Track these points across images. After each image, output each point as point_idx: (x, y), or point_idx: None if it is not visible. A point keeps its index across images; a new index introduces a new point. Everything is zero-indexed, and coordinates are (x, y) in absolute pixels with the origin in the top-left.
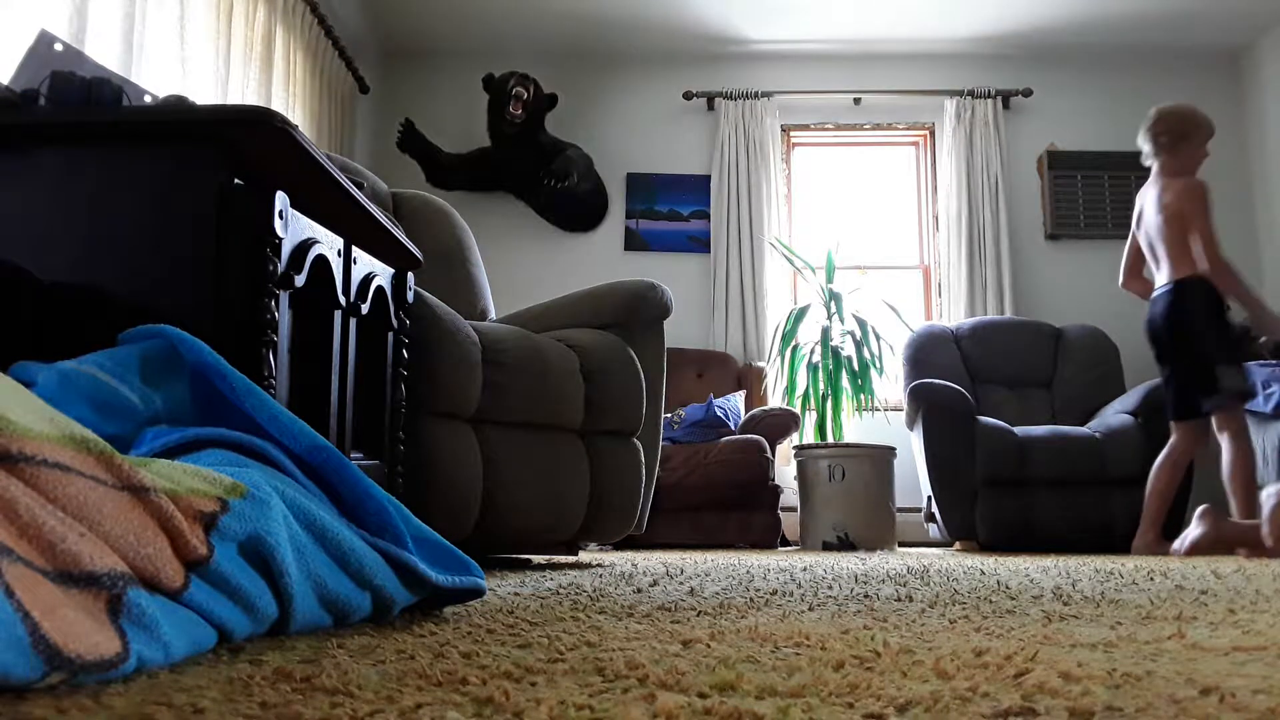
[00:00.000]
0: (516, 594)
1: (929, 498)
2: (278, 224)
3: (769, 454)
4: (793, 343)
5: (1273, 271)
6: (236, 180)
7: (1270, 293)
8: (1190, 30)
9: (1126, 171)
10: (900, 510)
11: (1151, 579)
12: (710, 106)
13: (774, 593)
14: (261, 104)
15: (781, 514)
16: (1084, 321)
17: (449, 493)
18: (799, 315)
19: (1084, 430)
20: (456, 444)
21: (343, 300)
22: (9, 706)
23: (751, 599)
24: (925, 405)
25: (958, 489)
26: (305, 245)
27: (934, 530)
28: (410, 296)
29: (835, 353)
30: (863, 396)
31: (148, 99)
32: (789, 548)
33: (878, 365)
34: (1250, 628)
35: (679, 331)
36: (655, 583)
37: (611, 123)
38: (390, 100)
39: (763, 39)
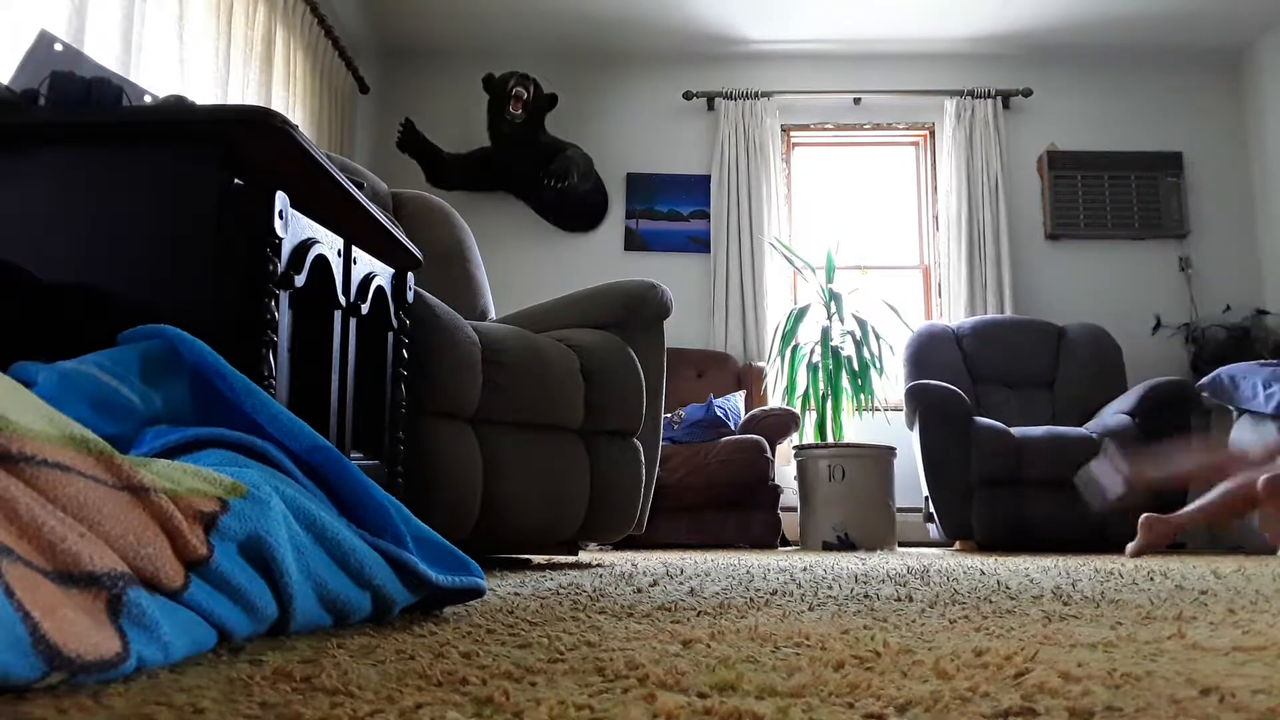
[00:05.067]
0: (516, 594)
1: (927, 498)
2: (278, 224)
3: (769, 454)
4: (793, 343)
5: (1273, 271)
6: (236, 180)
7: (1270, 293)
8: (1190, 30)
9: (1126, 171)
10: (900, 510)
11: (1151, 579)
12: (710, 106)
13: (774, 593)
14: (261, 104)
15: (781, 514)
16: (1083, 321)
17: (449, 493)
18: (799, 315)
19: (1081, 431)
20: (456, 444)
21: (343, 300)
22: (9, 706)
23: (751, 599)
24: (922, 406)
25: (954, 489)
26: (305, 245)
27: (934, 530)
28: (410, 296)
29: (835, 353)
30: (863, 396)
31: (148, 99)
32: (789, 548)
33: (878, 365)
34: (1250, 628)
35: (679, 331)
36: (655, 583)
37: (611, 123)
38: (390, 100)
39: (763, 39)
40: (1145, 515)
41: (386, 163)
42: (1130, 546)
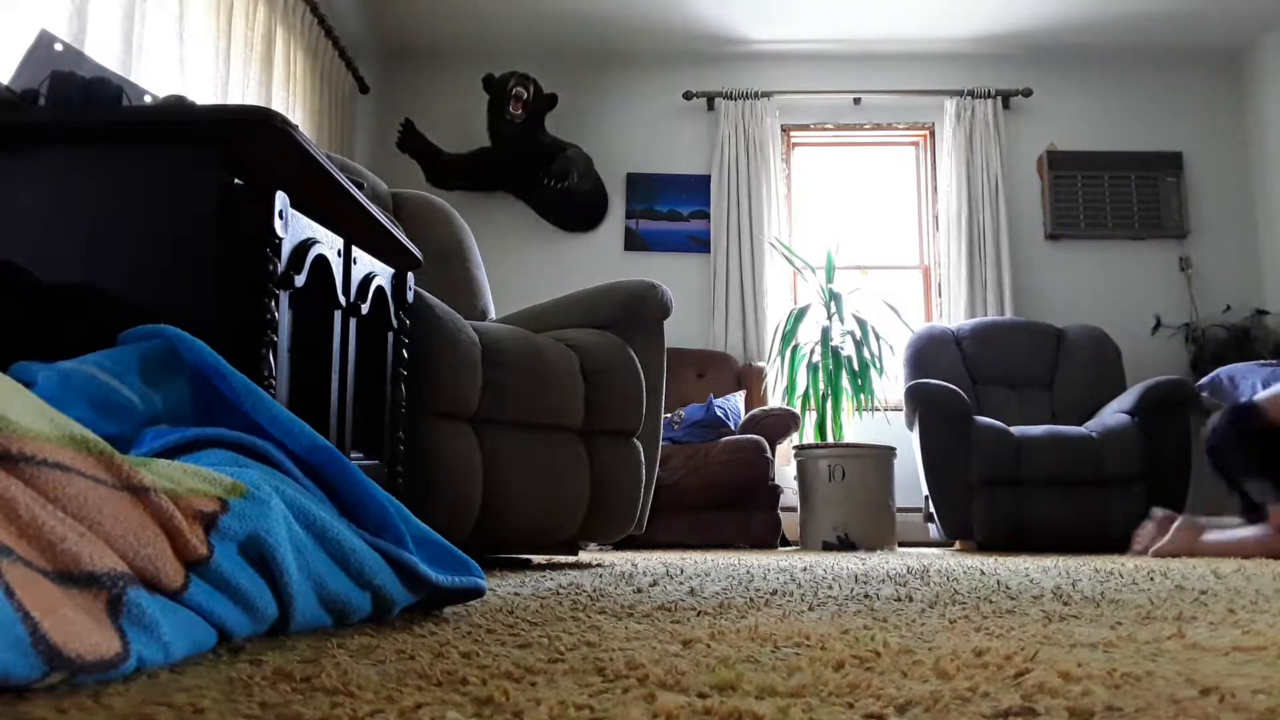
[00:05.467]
0: (516, 594)
1: (927, 497)
2: (278, 224)
3: (769, 454)
4: (793, 343)
5: (1273, 271)
6: (236, 180)
7: (1270, 293)
8: (1190, 30)
9: (1126, 171)
10: (900, 510)
11: (1151, 579)
12: (710, 106)
13: (774, 593)
14: (261, 104)
15: (781, 514)
16: (1083, 322)
17: (449, 493)
18: (799, 315)
19: (1081, 430)
20: (456, 444)
21: (343, 300)
22: (9, 706)
23: (751, 599)
24: (922, 406)
25: (954, 489)
26: (305, 245)
27: (934, 530)
28: (410, 296)
29: (835, 353)
30: (863, 396)
31: (148, 99)
32: (789, 548)
33: (878, 365)
34: (1250, 628)
35: (679, 331)
36: (655, 583)
37: (611, 123)
38: (390, 100)
39: (763, 39)
40: (1169, 515)
41: (386, 163)
42: (1156, 545)
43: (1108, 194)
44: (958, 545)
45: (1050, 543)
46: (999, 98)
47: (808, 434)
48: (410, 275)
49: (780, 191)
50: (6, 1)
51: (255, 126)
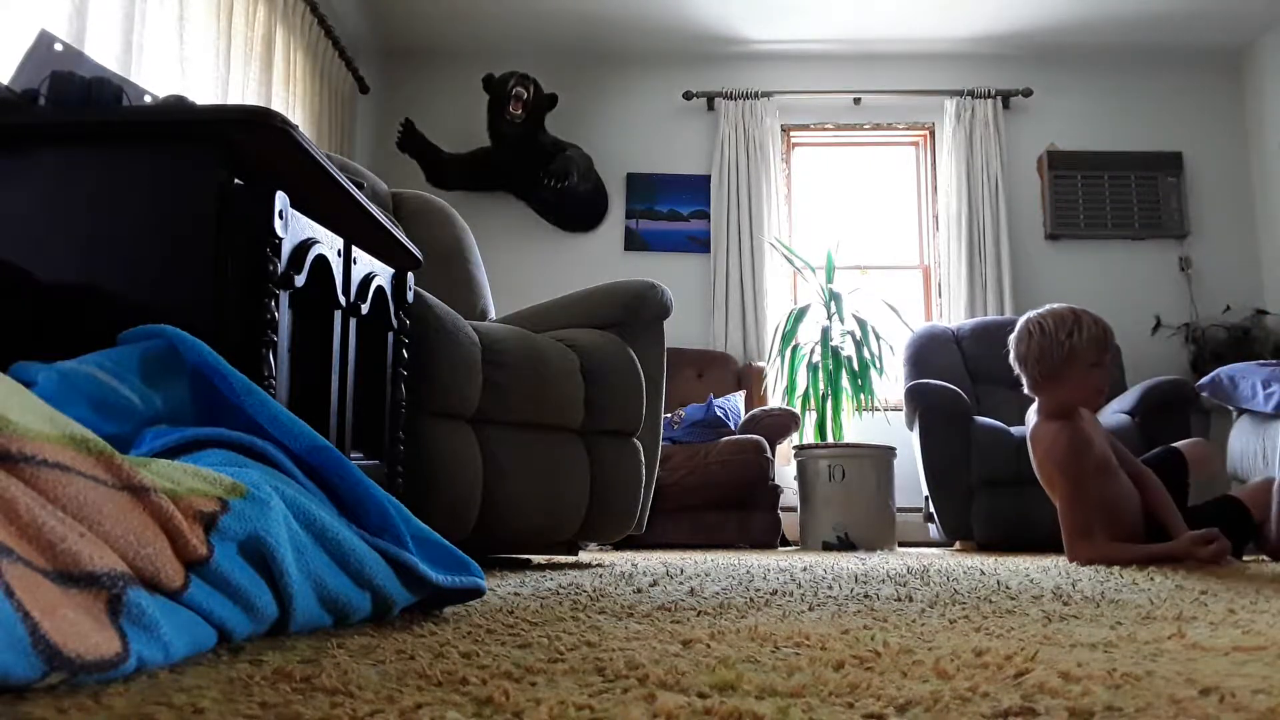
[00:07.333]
0: (516, 594)
1: (927, 498)
2: (278, 224)
3: (769, 454)
4: (793, 343)
5: (1273, 271)
6: (236, 180)
7: (1270, 293)
8: (1190, 30)
9: (1127, 171)
10: (900, 510)
11: (1151, 579)
12: (710, 106)
13: (774, 593)
14: (261, 104)
15: (781, 514)
16: None
17: (449, 493)
18: (799, 315)
19: None
20: (456, 444)
21: (343, 300)
22: (9, 706)
23: (751, 599)
24: (922, 406)
25: (954, 489)
26: (305, 245)
27: (934, 530)
28: (410, 296)
29: (835, 353)
30: (863, 396)
31: (148, 99)
32: (789, 548)
33: (878, 365)
34: (1250, 628)
35: (679, 331)
36: (655, 583)
37: (611, 123)
38: (390, 100)
39: (763, 39)
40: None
41: (386, 163)
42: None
43: (1108, 194)
44: (958, 545)
45: (1051, 543)
46: (999, 98)
47: (808, 434)
48: (410, 275)
49: (780, 191)
50: (6, 1)
51: (255, 126)
